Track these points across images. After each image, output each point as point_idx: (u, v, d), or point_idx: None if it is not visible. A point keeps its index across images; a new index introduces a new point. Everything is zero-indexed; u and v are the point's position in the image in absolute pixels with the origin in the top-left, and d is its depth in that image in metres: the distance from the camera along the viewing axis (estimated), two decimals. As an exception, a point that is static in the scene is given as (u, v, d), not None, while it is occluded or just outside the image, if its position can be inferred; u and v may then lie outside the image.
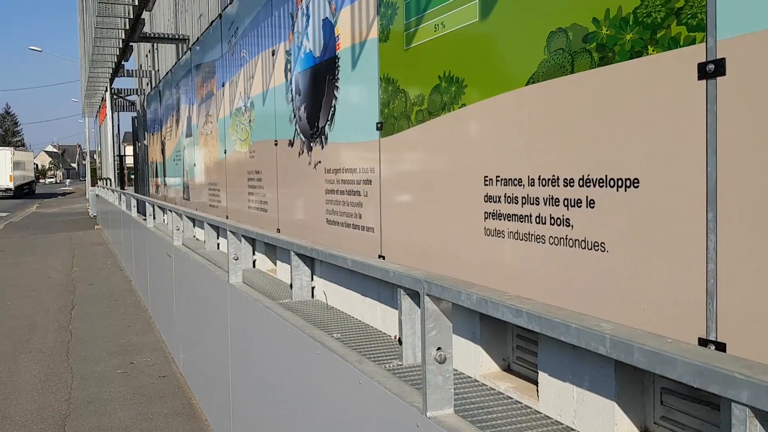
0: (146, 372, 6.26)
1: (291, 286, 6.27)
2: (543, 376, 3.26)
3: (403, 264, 3.85)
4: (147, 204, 8.35)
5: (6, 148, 58.40)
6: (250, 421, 3.50)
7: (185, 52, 11.41)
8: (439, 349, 1.69)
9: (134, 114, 24.88)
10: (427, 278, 1.69)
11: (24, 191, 55.92)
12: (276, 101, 6.24)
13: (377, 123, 4.15)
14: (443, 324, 1.70)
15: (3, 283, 11.93)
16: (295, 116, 5.72)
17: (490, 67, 3.09)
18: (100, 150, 31.14)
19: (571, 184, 2.62)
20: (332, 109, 4.91)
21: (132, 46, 13.92)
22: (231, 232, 3.75)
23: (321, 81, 5.08)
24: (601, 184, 2.50)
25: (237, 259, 3.75)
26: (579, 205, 2.59)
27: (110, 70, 16.54)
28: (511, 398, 3.51)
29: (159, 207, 7.93)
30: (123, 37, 12.28)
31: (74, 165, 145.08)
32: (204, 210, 9.74)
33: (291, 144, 5.83)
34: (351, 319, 5.41)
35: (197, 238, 10.97)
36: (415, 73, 3.71)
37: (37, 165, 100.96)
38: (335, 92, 4.84)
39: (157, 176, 15.38)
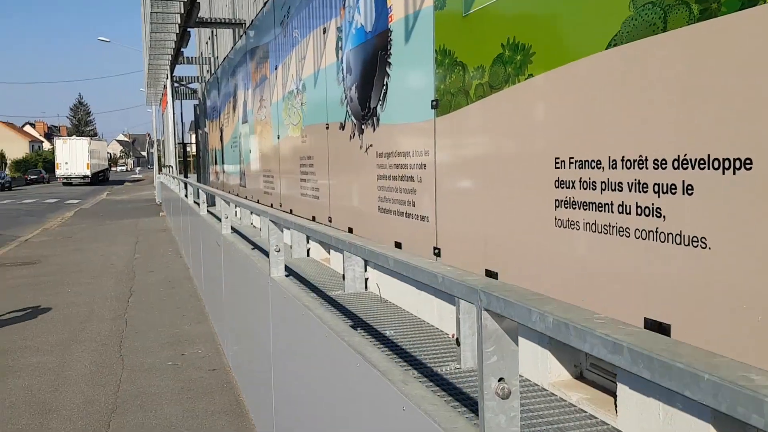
0: (196, 365, 6.06)
1: (343, 276, 5.96)
2: (623, 389, 2.81)
3: (461, 259, 3.45)
4: (200, 191, 8.18)
5: (83, 138, 61.60)
6: (292, 428, 3.18)
7: (241, 37, 11.21)
8: (501, 380, 1.29)
9: (196, 102, 25.11)
10: (487, 288, 1.28)
11: (99, 178, 59.46)
12: (327, 82, 5.90)
13: (432, 101, 3.74)
14: (507, 348, 1.29)
15: (67, 269, 12.07)
16: (346, 97, 5.37)
17: (561, 30, 2.64)
18: (164, 138, 31.65)
19: (663, 166, 2.16)
20: (384, 87, 4.52)
21: (190, 32, 13.85)
22: (272, 221, 3.43)
23: (373, 58, 4.69)
24: (701, 166, 2.03)
25: (279, 251, 3.42)
26: (673, 191, 2.12)
27: (170, 57, 16.56)
28: (585, 412, 3.07)
29: (207, 193, 7.74)
30: (179, 22, 12.16)
31: (144, 153, 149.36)
32: (259, 197, 9.54)
33: (342, 127, 5.48)
34: (405, 314, 5.04)
35: (254, 226, 10.80)
36: (475, 43, 3.28)
37: (110, 154, 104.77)
38: (387, 69, 4.45)
39: (216, 163, 15.36)
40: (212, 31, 19.50)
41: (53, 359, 6.42)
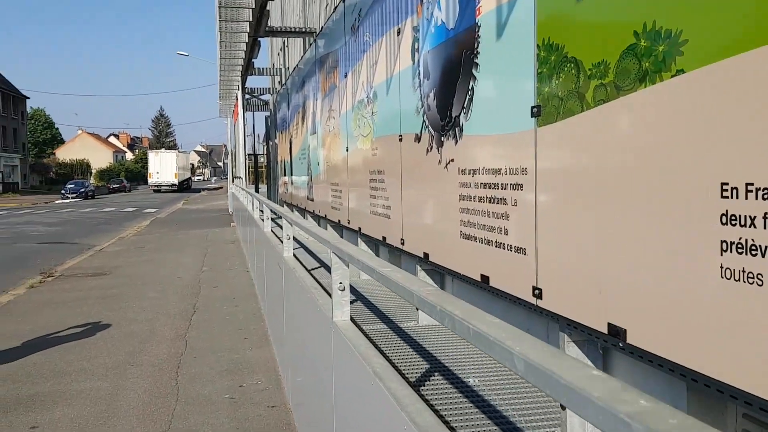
0: (255, 399, 5.49)
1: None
2: None
3: (570, 305, 2.72)
4: (264, 208, 7.67)
5: (172, 151, 70.37)
6: None
7: (311, 45, 10.74)
8: None
9: (267, 113, 25.03)
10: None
11: (183, 186, 67.52)
12: (401, 89, 5.25)
13: (533, 107, 3.03)
14: None
15: (135, 281, 11.86)
16: (422, 105, 4.70)
17: (728, 7, 1.89)
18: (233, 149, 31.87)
19: None
20: (469, 93, 3.83)
21: (260, 42, 13.53)
22: (336, 255, 2.78)
23: (455, 58, 4.01)
24: None
25: (344, 290, 2.76)
26: None
27: (241, 68, 16.34)
28: None
29: (270, 209, 7.22)
30: (249, 31, 11.78)
31: (220, 164, 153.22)
32: (327, 212, 8.98)
33: (418, 139, 4.82)
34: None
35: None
36: (594, 32, 2.55)
37: (193, 164, 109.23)
38: (473, 71, 3.75)
39: (285, 175, 14.99)
40: (284, 42, 19.30)
41: (106, 385, 5.99)
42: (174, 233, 21.32)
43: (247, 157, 18.27)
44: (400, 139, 5.29)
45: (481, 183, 3.66)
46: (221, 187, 74.47)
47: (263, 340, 7.28)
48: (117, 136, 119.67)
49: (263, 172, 29.69)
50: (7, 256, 16.70)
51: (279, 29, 12.02)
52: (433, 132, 4.48)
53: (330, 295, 2.90)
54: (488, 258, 3.60)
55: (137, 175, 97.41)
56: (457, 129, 4.03)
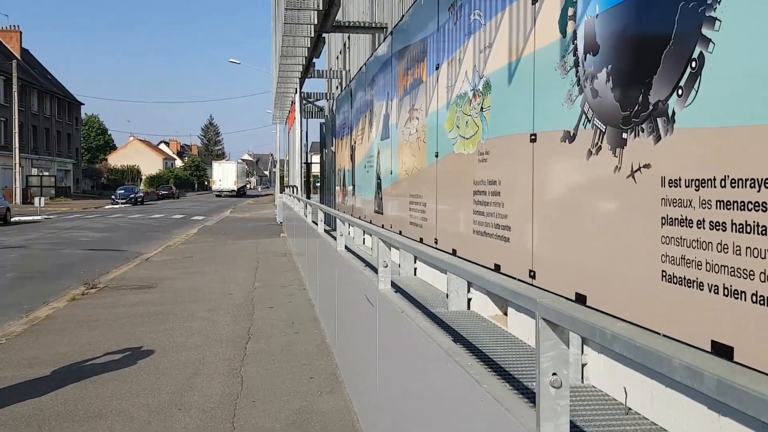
0: (332, 469, 4.24)
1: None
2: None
3: None
4: (338, 221, 6.46)
5: (232, 162, 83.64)
6: None
7: (383, 40, 9.56)
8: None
9: (322, 120, 24.00)
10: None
11: (240, 192, 78.34)
12: (537, 73, 3.97)
13: None
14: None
15: (183, 297, 10.81)
16: (581, 92, 3.41)
17: None
18: (288, 158, 31.03)
19: None
20: (690, 64, 2.53)
21: (324, 39, 12.38)
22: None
23: (661, 17, 2.72)
24: None
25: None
26: None
27: (300, 69, 15.24)
28: None
29: (357, 226, 5.99)
30: (315, 22, 10.62)
31: (266, 172, 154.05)
32: (402, 227, 7.73)
33: (570, 137, 3.52)
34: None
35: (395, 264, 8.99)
36: None
37: (249, 172, 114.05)
38: (703, 27, 2.46)
39: (344, 185, 13.81)
40: (344, 44, 18.26)
41: (147, 438, 4.83)
42: (222, 243, 20.43)
43: (302, 164, 17.15)
44: (533, 140, 4.01)
45: (725, 202, 2.35)
46: (271, 194, 79.39)
47: (333, 384, 6.04)
48: (167, 144, 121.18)
49: (311, 182, 28.75)
50: (54, 263, 16.00)
51: (346, 24, 10.86)
52: (603, 127, 3.18)
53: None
54: (742, 322, 2.27)
55: (185, 182, 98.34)
56: (660, 120, 2.72)
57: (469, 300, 6.31)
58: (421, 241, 6.82)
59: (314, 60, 14.72)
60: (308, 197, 20.63)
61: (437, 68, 6.32)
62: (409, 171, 7.49)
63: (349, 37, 16.87)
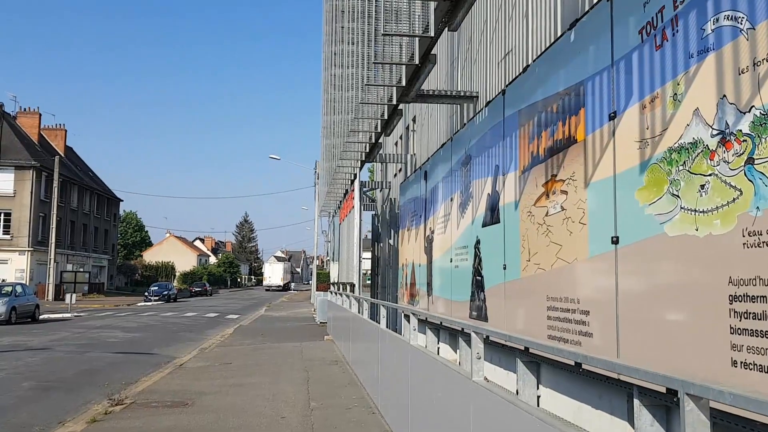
0: None
1: None
2: None
3: None
4: (473, 335, 4.40)
5: (281, 262, 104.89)
6: None
7: (479, 109, 7.84)
8: None
9: (374, 212, 22.38)
10: None
11: (286, 287, 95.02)
12: None
13: None
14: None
15: (224, 421, 8.66)
16: None
17: None
18: (332, 252, 29.38)
19: None
20: None
21: (401, 112, 10.74)
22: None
23: None
24: None
25: None
26: None
27: (365, 149, 13.67)
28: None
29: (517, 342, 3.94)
30: (396, 96, 8.89)
31: (298, 270, 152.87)
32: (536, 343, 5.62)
33: None
34: None
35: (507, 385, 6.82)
36: None
37: (293, 272, 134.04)
38: None
39: (413, 284, 11.81)
40: (407, 126, 16.81)
41: None
42: (262, 346, 18.53)
43: (360, 259, 15.32)
44: None
45: None
46: (303, 291, 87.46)
47: None
48: (202, 240, 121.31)
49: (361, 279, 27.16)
50: (78, 368, 14.09)
51: (428, 92, 9.25)
52: None
53: None
54: None
55: (219, 279, 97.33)
56: None
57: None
58: (579, 367, 4.71)
59: (380, 141, 13.15)
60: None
61: (612, 117, 4.41)
62: (547, 265, 5.48)
63: (414, 119, 15.51)
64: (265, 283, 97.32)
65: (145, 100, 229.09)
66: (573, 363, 4.69)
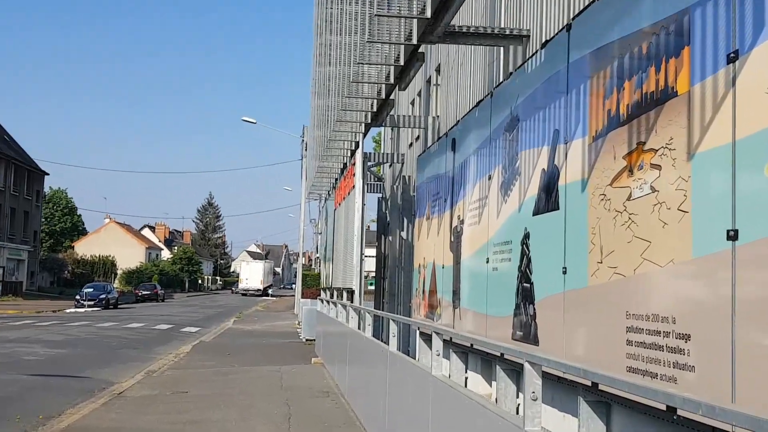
0: None
1: None
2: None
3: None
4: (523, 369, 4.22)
5: (260, 261, 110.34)
6: None
7: (536, 52, 7.64)
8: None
9: (380, 194, 22.32)
10: None
11: (264, 293, 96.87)
12: None
13: None
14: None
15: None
16: None
17: None
18: (324, 248, 29.38)
19: None
20: None
21: (422, 56, 10.30)
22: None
23: None
24: None
25: None
26: None
27: (371, 108, 13.41)
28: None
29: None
30: (416, 30, 8.54)
31: (278, 270, 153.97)
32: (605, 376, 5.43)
33: None
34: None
35: None
36: None
37: (276, 272, 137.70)
38: None
39: (434, 292, 11.79)
40: (428, 79, 16.62)
41: None
42: (229, 369, 18.83)
43: (362, 257, 15.26)
44: None
45: None
46: (285, 296, 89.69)
47: None
48: (153, 229, 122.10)
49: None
50: (-19, 396, 14.12)
51: (465, 30, 8.94)
52: None
53: None
54: None
55: (174, 279, 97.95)
56: None
57: None
58: (674, 413, 4.51)
59: (392, 97, 12.91)
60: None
61: (733, 59, 4.15)
62: (628, 268, 5.29)
63: (438, 69, 15.32)
64: (240, 286, 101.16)
65: (81, 50, 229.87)
66: (664, 407, 4.53)
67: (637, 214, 5.22)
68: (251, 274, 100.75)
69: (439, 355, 6.80)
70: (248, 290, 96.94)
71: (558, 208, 6.71)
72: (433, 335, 6.96)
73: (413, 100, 20.48)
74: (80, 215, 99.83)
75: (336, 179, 22.06)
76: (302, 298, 40.26)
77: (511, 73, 8.84)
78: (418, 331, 11.30)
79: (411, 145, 19.49)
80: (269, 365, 19.68)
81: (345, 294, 17.45)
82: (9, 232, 65.16)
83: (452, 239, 10.76)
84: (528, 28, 9.32)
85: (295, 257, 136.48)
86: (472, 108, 10.32)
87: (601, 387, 5.16)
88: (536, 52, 7.68)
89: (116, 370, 18.40)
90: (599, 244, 5.79)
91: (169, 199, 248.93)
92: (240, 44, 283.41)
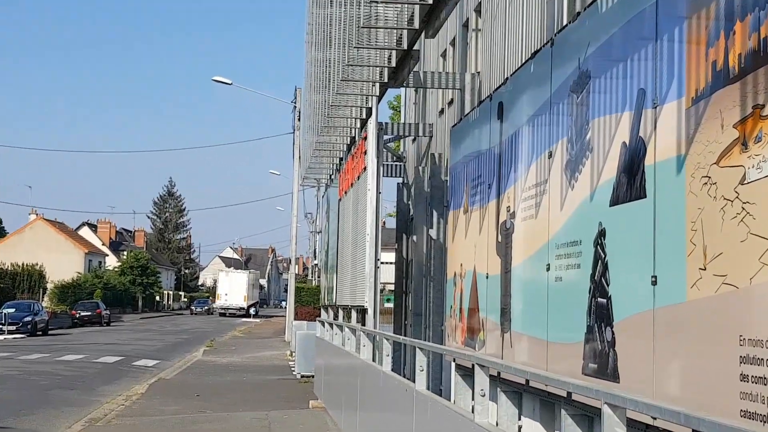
0: None
1: None
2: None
3: None
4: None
5: (244, 272, 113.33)
6: None
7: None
8: None
9: (401, 179, 22.49)
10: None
11: (247, 313, 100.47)
12: None
13: None
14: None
15: None
16: None
17: None
18: (324, 252, 29.67)
19: None
20: None
21: (443, 11, 10.54)
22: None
23: None
24: None
25: None
26: None
27: (387, 62, 13.62)
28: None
29: None
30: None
31: (263, 282, 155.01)
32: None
33: None
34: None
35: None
36: None
37: (263, 286, 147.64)
38: None
39: (474, 311, 12.06)
40: (465, 22, 16.81)
41: None
42: (197, 418, 19.42)
43: (377, 264, 15.49)
44: None
45: None
46: (275, 317, 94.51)
47: None
48: (94, 228, 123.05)
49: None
50: None
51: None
52: None
53: None
54: None
55: (123, 295, 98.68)
56: None
57: None
58: None
59: (416, 48, 13.14)
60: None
61: None
62: (743, 277, 5.57)
63: (478, 8, 15.47)
64: (218, 302, 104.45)
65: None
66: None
67: (755, 203, 5.37)
68: (232, 287, 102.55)
69: (483, 395, 6.93)
70: (229, 308, 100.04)
71: (644, 196, 6.92)
72: (476, 369, 7.16)
73: (445, 51, 20.98)
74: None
75: (340, 159, 22.49)
76: (296, 319, 40.62)
77: (578, 14, 9.07)
78: (453, 364, 11.48)
79: (442, 112, 19.80)
80: (253, 411, 20.24)
81: (354, 314, 17.73)
82: None
83: (500, 239, 11.04)
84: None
85: (285, 265, 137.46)
86: (526, 61, 10.59)
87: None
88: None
89: (47, 418, 18.87)
90: (702, 244, 5.99)
91: (116, 189, 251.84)
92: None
